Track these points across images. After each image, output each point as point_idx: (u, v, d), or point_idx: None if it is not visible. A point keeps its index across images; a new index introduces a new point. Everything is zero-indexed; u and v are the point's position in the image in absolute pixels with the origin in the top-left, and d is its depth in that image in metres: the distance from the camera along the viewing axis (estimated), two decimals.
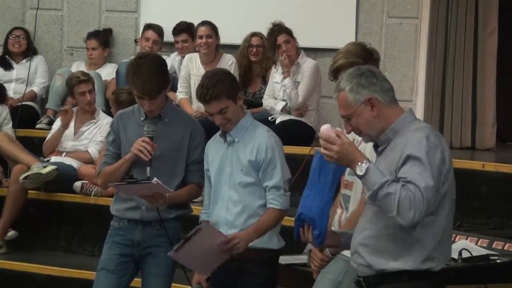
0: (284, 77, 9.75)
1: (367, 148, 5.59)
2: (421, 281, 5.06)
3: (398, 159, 4.96)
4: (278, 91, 9.96)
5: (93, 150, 9.84)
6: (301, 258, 6.48)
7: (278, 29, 9.91)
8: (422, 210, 4.79)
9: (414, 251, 5.03)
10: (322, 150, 4.96)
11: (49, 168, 9.52)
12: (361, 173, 4.86)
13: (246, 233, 6.09)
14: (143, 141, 6.36)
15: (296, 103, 9.70)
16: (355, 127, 5.15)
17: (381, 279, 5.11)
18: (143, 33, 10.85)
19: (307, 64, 9.97)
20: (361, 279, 5.16)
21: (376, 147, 5.27)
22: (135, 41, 11.05)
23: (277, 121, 9.79)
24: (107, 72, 10.98)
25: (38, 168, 9.50)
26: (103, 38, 11.09)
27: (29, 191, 9.66)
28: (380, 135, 5.16)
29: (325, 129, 4.98)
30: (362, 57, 5.82)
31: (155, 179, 6.25)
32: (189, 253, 6.10)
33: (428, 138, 4.97)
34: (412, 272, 5.01)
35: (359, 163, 4.89)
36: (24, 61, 11.22)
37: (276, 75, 10.03)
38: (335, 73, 5.90)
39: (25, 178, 9.49)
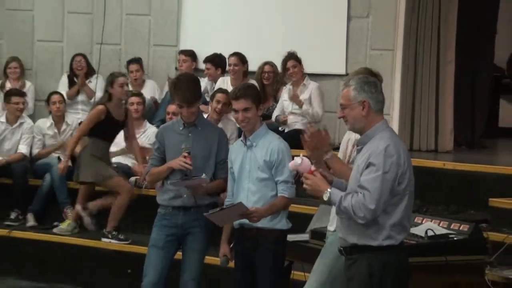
0: (301, 107, 9.75)
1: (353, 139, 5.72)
2: (384, 252, 5.03)
3: (363, 165, 5.00)
4: (286, 107, 9.93)
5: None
6: (304, 237, 6.51)
7: (289, 56, 9.92)
8: (372, 208, 4.89)
9: (377, 232, 5.01)
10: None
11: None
12: (326, 199, 5.00)
13: (262, 210, 6.05)
14: (184, 157, 6.37)
15: (319, 116, 9.76)
16: (345, 115, 5.17)
17: (354, 250, 5.12)
18: (179, 56, 10.82)
19: (311, 85, 9.94)
20: (341, 248, 5.21)
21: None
22: (176, 68, 10.93)
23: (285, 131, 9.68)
24: (150, 87, 10.82)
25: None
26: (141, 63, 10.95)
27: None
28: (360, 131, 5.20)
29: (291, 165, 5.26)
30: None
31: (203, 175, 6.35)
32: (218, 217, 6.18)
33: (386, 148, 4.98)
34: (376, 247, 5.01)
35: (325, 192, 5.01)
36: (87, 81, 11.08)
37: (285, 94, 10.01)
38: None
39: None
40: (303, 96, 9.85)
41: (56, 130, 10.37)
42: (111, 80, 9.02)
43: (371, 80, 5.21)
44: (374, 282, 5.06)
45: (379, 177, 4.94)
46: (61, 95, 10.53)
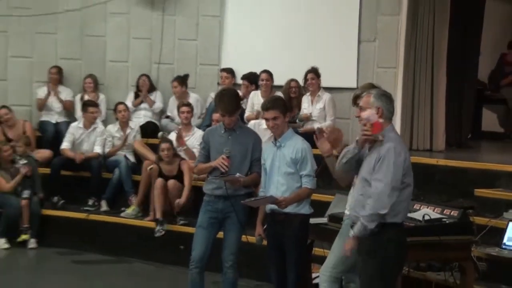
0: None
1: None
2: (388, 229, 5.07)
3: (375, 160, 5.05)
4: (306, 113, 9.88)
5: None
6: (323, 220, 6.45)
7: (311, 70, 9.89)
8: (387, 199, 5.00)
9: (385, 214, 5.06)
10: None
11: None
12: (356, 233, 5.15)
13: (289, 198, 6.10)
14: (223, 159, 6.35)
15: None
16: (362, 115, 5.23)
17: None
18: (220, 73, 10.80)
19: (325, 96, 9.87)
20: (354, 224, 5.22)
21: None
22: (218, 83, 10.90)
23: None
24: (193, 99, 10.68)
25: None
26: (183, 80, 10.87)
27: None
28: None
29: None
30: (369, 88, 5.74)
31: (237, 174, 6.35)
32: (253, 203, 6.33)
33: (395, 148, 5.06)
34: (382, 224, 5.04)
35: (351, 238, 5.20)
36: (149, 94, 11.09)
37: (305, 103, 9.96)
38: (355, 99, 5.90)
39: (150, 168, 9.51)
40: (318, 105, 9.80)
41: (122, 133, 10.41)
42: None
43: (388, 94, 5.31)
44: (379, 253, 5.07)
45: (387, 177, 5.02)
46: (125, 105, 10.58)
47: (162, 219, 9.05)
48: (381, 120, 5.14)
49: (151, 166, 9.57)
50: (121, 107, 10.46)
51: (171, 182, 9.22)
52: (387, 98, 5.28)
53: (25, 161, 9.86)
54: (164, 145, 9.43)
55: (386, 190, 4.99)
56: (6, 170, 9.86)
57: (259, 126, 8.95)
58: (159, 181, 9.19)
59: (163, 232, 9.03)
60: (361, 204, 5.14)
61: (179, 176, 9.27)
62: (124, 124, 10.43)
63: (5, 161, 9.89)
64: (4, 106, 10.73)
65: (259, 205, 6.52)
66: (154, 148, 10.14)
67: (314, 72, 9.85)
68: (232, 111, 6.47)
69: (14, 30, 11.36)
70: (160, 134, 10.37)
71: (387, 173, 5.01)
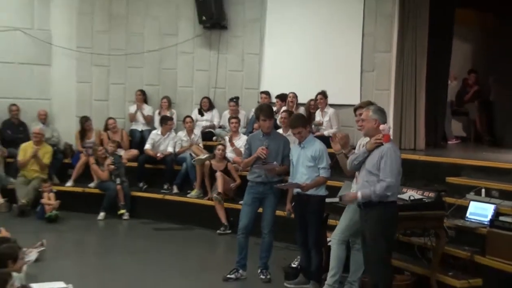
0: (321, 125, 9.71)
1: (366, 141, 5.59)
2: (386, 205, 5.10)
3: (378, 156, 5.07)
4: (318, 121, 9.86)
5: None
6: (335, 200, 6.38)
7: (321, 92, 9.81)
8: (395, 186, 5.11)
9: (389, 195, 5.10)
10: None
11: (205, 156, 9.57)
12: (360, 198, 5.21)
13: (310, 184, 6.15)
14: (262, 149, 6.38)
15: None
16: (363, 126, 5.27)
17: (368, 204, 5.18)
18: (260, 95, 10.75)
19: (330, 111, 9.75)
20: (361, 203, 5.24)
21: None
22: (258, 102, 10.88)
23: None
24: (241, 115, 10.70)
25: (200, 157, 9.60)
26: (237, 100, 10.85)
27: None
28: (371, 136, 5.25)
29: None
30: (367, 104, 5.71)
31: (275, 162, 6.38)
32: (283, 186, 6.39)
33: (392, 148, 5.12)
34: (387, 201, 5.09)
35: (356, 198, 5.26)
36: (208, 111, 11.12)
37: (317, 116, 9.90)
38: (355, 110, 5.94)
39: (194, 160, 9.66)
40: (325, 118, 9.69)
41: (188, 138, 10.45)
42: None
43: (382, 109, 5.33)
44: (380, 223, 5.13)
45: (392, 165, 5.09)
46: (191, 117, 10.62)
47: (220, 194, 8.93)
48: (389, 133, 5.22)
49: (196, 158, 9.60)
50: (188, 119, 10.49)
51: (220, 174, 9.16)
52: (381, 112, 5.29)
53: (112, 158, 9.98)
54: (220, 146, 9.50)
55: (394, 180, 5.07)
56: (102, 164, 10.02)
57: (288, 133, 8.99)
58: (219, 173, 9.14)
59: (222, 201, 8.91)
60: (365, 187, 5.16)
61: (225, 172, 9.25)
62: (190, 131, 10.46)
63: (100, 158, 10.04)
64: (111, 118, 10.92)
65: (288, 188, 6.56)
66: (210, 148, 10.17)
67: (322, 94, 9.79)
68: (270, 116, 6.53)
69: (113, 65, 11.46)
70: (215, 137, 10.41)
71: (392, 168, 5.07)
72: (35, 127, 10.39)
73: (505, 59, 10.75)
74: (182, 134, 10.57)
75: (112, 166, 9.87)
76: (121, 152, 10.54)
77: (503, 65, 10.79)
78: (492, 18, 11.16)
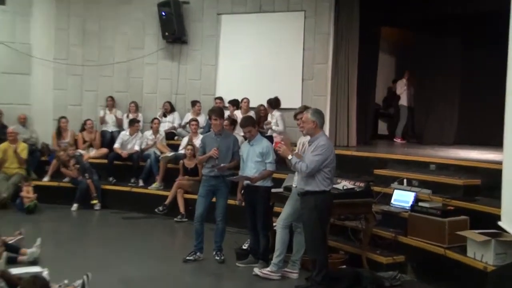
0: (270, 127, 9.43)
1: (305, 141, 5.51)
2: (320, 194, 5.07)
3: (311, 150, 5.04)
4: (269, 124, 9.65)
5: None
6: (280, 190, 6.36)
7: (268, 100, 9.63)
8: (306, 171, 4.98)
9: (317, 184, 5.05)
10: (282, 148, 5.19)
11: (171, 154, 9.46)
12: (290, 158, 5.14)
13: (258, 176, 6.07)
14: (215, 150, 6.25)
15: (281, 131, 9.29)
16: (304, 127, 5.19)
17: (306, 193, 5.15)
18: (215, 100, 10.52)
19: (276, 114, 9.52)
20: (300, 193, 5.23)
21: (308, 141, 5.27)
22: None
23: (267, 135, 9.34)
24: (202, 117, 10.47)
25: (167, 154, 9.47)
26: (194, 103, 10.59)
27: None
28: (311, 135, 5.18)
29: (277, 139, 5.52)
30: (304, 109, 5.65)
31: (222, 164, 6.23)
32: (235, 179, 6.25)
33: (325, 142, 5.07)
34: (317, 191, 5.03)
35: (289, 156, 5.14)
36: (170, 114, 10.83)
37: (268, 118, 9.66)
38: (295, 115, 5.92)
39: (161, 158, 9.51)
40: (273, 120, 9.40)
41: (153, 137, 10.21)
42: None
43: (319, 110, 5.26)
44: (316, 209, 5.07)
45: (317, 157, 4.99)
46: (158, 119, 10.41)
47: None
48: (279, 141, 5.32)
49: (163, 156, 9.50)
50: (156, 121, 10.28)
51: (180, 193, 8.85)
52: (319, 114, 5.22)
53: (74, 158, 9.75)
54: (189, 146, 9.26)
55: (317, 164, 4.99)
56: (68, 166, 9.71)
57: (240, 133, 8.84)
58: (179, 193, 8.87)
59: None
60: (304, 179, 5.10)
61: (195, 170, 9.04)
62: (155, 131, 10.24)
63: (65, 161, 9.77)
64: (89, 119, 10.67)
65: (239, 180, 6.42)
66: (172, 147, 9.96)
67: (268, 102, 9.65)
68: (221, 116, 6.38)
69: (86, 74, 11.16)
70: (176, 137, 10.16)
71: (318, 156, 5.00)
72: (9, 128, 10.08)
73: (422, 71, 10.92)
74: (148, 133, 10.31)
75: (77, 165, 9.65)
76: (93, 151, 10.36)
77: (421, 73, 10.96)
78: (412, 34, 11.33)
